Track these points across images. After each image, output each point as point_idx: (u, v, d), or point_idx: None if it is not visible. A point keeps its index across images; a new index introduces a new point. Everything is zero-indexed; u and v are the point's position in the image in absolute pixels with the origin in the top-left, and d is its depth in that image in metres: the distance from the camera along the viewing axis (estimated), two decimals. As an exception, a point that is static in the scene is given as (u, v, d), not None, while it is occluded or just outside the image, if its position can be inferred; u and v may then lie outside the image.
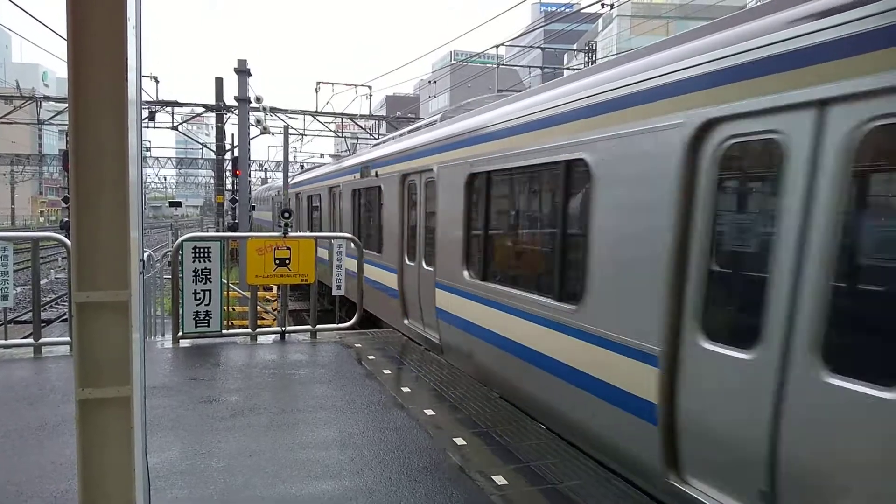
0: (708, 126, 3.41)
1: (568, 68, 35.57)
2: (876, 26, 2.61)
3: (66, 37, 2.04)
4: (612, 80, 4.24)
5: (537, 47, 30.64)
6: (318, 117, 28.64)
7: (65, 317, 16.20)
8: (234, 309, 14.43)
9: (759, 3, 3.55)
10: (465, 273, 6.53)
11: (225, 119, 25.70)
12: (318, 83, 27.88)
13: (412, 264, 8.25)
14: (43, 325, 8.93)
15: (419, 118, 37.71)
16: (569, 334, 4.63)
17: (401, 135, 10.52)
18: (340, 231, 12.08)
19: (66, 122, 2.25)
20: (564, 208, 4.88)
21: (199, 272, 7.31)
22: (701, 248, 3.47)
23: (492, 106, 6.52)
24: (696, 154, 3.48)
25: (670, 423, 3.61)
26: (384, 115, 40.67)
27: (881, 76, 2.57)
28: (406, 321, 8.48)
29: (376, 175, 9.92)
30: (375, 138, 30.61)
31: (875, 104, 2.63)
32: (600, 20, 55.46)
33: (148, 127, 26.79)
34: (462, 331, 6.64)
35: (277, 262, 7.58)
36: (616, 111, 4.14)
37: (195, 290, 7.31)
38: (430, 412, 5.27)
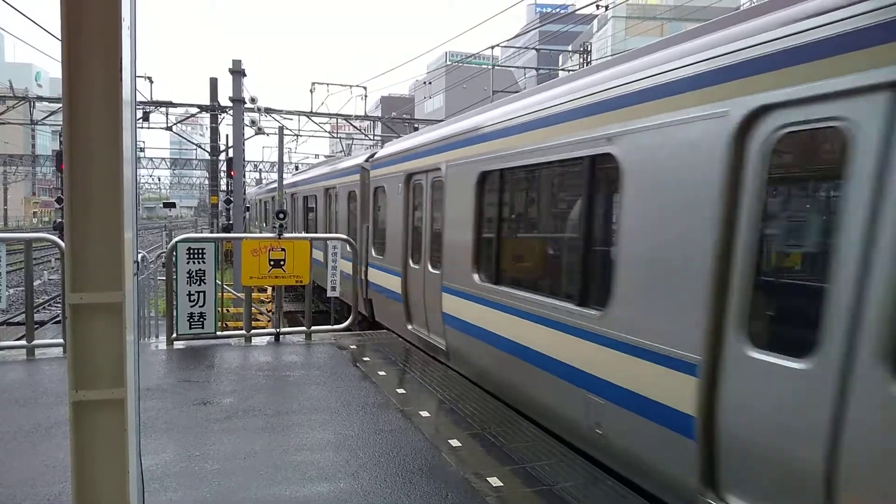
0: None
1: (563, 69, 35.66)
2: None
3: (60, 36, 2.03)
4: None
5: (532, 48, 30.69)
6: (312, 118, 28.56)
7: (58, 318, 16.11)
8: (228, 310, 14.38)
9: (755, 4, 3.56)
10: None
11: (219, 120, 25.61)
12: (314, 83, 27.84)
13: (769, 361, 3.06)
14: (36, 326, 8.88)
15: (416, 119, 37.67)
16: None
17: None
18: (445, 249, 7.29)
19: (60, 123, 2.25)
20: None
21: (194, 273, 7.28)
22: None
23: None
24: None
25: None
26: (379, 115, 40.60)
27: None
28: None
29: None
30: (371, 139, 30.60)
31: None
32: (595, 21, 55.68)
33: (142, 127, 26.70)
34: None
35: (272, 263, 7.57)
36: None
37: (189, 292, 7.29)
38: (425, 414, 5.27)
